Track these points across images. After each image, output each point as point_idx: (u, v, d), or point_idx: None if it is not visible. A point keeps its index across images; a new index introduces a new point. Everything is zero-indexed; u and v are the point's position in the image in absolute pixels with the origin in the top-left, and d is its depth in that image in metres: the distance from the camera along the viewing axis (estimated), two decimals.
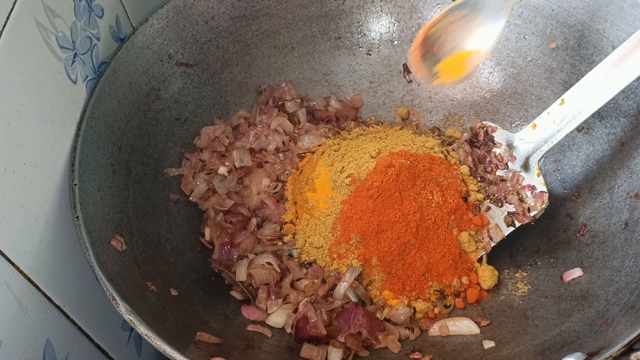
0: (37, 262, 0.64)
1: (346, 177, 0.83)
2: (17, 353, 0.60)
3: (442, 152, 0.89)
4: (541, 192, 0.83)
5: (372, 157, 0.84)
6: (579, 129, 0.87)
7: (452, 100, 0.99)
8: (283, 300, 0.79)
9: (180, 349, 0.62)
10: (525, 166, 0.85)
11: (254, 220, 0.86)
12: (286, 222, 0.87)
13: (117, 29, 0.85)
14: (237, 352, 0.71)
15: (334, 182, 0.84)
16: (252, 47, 0.96)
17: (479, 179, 0.87)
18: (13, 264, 0.60)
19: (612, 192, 0.84)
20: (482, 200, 0.85)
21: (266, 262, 0.81)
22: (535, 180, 0.84)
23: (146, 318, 0.63)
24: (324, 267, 0.81)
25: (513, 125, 0.95)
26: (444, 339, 0.78)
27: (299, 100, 0.97)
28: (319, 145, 0.92)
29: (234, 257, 0.83)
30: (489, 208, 0.85)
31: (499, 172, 0.86)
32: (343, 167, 0.84)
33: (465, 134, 0.90)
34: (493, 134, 0.88)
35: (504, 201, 0.85)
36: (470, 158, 0.88)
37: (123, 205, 0.77)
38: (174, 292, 0.74)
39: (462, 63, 0.78)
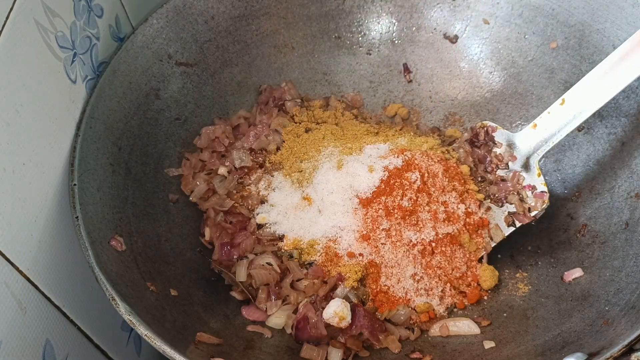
0: (37, 262, 0.64)
1: None
2: (17, 353, 0.60)
3: (442, 152, 0.89)
4: (542, 192, 0.83)
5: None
6: (579, 128, 0.87)
7: (453, 100, 0.99)
8: (283, 301, 0.79)
9: (180, 349, 0.62)
10: (526, 166, 0.85)
11: (254, 221, 0.86)
12: None
13: (117, 28, 0.85)
14: (237, 352, 0.71)
15: None
16: (252, 46, 0.96)
17: (479, 179, 0.87)
18: (12, 264, 0.60)
19: (613, 192, 0.84)
20: (482, 200, 0.85)
21: (266, 263, 0.81)
22: (535, 180, 0.84)
23: (146, 318, 0.63)
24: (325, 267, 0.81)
25: (513, 125, 0.95)
26: (444, 339, 0.78)
27: (299, 100, 0.97)
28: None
29: (234, 257, 0.83)
30: (489, 208, 0.85)
31: (500, 172, 0.86)
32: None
33: (466, 134, 0.90)
34: (493, 134, 0.88)
35: (505, 201, 0.85)
36: (470, 158, 0.88)
37: (123, 205, 0.77)
38: (173, 293, 0.74)
39: None
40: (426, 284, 0.80)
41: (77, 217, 0.68)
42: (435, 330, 0.78)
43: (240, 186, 0.89)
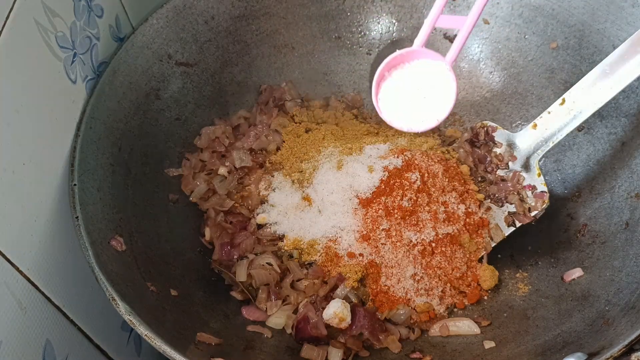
0: (37, 262, 0.64)
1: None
2: (17, 353, 0.60)
3: (442, 152, 0.89)
4: (542, 192, 0.83)
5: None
6: (579, 128, 0.87)
7: None
8: (283, 301, 0.79)
9: (180, 349, 0.62)
10: (526, 166, 0.85)
11: (254, 221, 0.86)
12: None
13: (117, 28, 0.85)
14: (237, 352, 0.71)
15: None
16: (252, 47, 0.96)
17: (479, 179, 0.87)
18: (13, 264, 0.60)
19: (613, 192, 0.84)
20: (482, 200, 0.85)
21: (266, 263, 0.81)
22: (535, 180, 0.84)
23: (146, 318, 0.63)
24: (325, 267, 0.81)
25: (513, 125, 0.95)
26: (444, 339, 0.78)
27: (299, 100, 0.97)
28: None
29: (234, 257, 0.83)
30: (489, 208, 0.85)
31: (500, 172, 0.86)
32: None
33: (466, 134, 0.90)
34: (493, 134, 0.88)
35: (505, 201, 0.85)
36: (470, 158, 0.88)
37: (123, 205, 0.77)
38: (173, 293, 0.74)
39: None
40: (426, 284, 0.80)
41: (77, 217, 0.68)
42: (435, 330, 0.78)
43: (240, 186, 0.89)
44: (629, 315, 0.67)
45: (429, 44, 0.98)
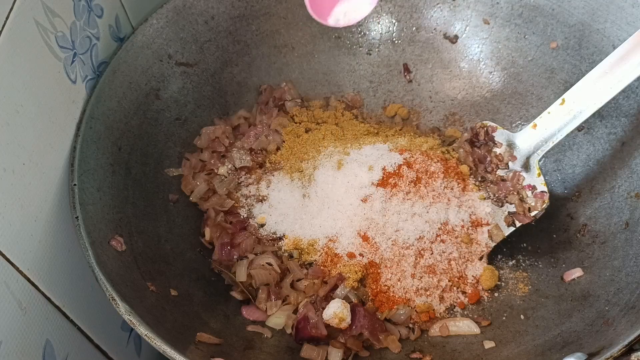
0: (37, 262, 0.64)
1: None
2: (17, 353, 0.60)
3: (442, 152, 0.89)
4: (542, 191, 0.83)
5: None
6: (579, 128, 0.87)
7: (453, 100, 0.99)
8: (283, 301, 0.79)
9: (180, 349, 0.62)
10: (526, 166, 0.85)
11: (254, 221, 0.86)
12: None
13: (117, 28, 0.85)
14: (237, 352, 0.71)
15: None
16: (252, 47, 0.96)
17: (479, 179, 0.87)
18: (12, 264, 0.60)
19: (613, 192, 0.84)
20: (482, 200, 0.85)
21: (266, 263, 0.81)
22: (535, 180, 0.84)
23: (146, 318, 0.63)
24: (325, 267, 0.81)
25: (513, 125, 0.95)
26: (444, 339, 0.78)
27: (299, 100, 0.97)
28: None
29: (234, 257, 0.83)
30: (489, 208, 0.85)
31: (500, 172, 0.86)
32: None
33: (466, 134, 0.90)
34: (493, 134, 0.88)
35: (505, 201, 0.85)
36: (470, 158, 0.88)
37: (123, 205, 0.77)
38: (173, 293, 0.74)
39: None
40: (426, 284, 0.80)
41: (77, 217, 0.68)
42: (435, 330, 0.78)
43: (240, 186, 0.89)
44: (629, 315, 0.67)
45: (429, 44, 0.99)
